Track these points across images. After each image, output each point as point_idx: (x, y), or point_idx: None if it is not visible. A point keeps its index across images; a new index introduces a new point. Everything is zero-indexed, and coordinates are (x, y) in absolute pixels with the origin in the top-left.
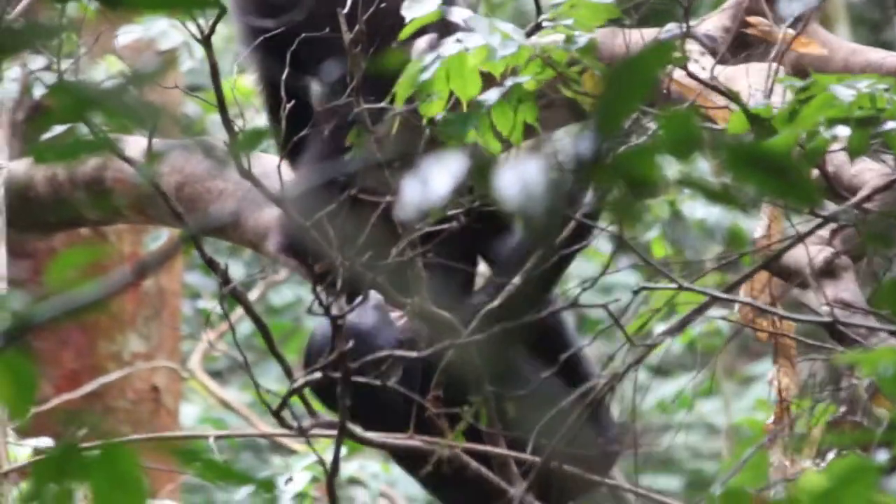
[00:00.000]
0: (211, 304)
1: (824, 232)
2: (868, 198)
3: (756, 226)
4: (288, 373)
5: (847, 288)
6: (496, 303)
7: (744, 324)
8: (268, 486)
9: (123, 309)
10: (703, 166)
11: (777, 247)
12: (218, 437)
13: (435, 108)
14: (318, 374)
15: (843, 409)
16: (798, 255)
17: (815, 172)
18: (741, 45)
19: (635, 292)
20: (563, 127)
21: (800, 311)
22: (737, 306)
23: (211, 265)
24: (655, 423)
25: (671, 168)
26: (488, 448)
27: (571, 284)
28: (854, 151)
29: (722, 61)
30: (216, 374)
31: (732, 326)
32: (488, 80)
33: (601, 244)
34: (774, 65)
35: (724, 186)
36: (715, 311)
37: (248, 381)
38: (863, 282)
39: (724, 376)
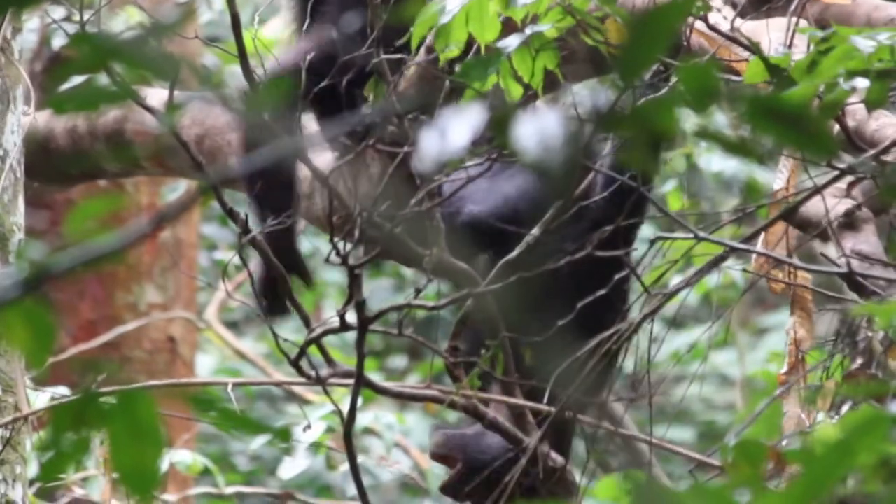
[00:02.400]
0: (227, 255)
1: (843, 184)
2: (886, 150)
3: (775, 178)
4: (305, 321)
5: (867, 240)
6: (515, 254)
7: (760, 274)
8: (284, 435)
9: (140, 260)
10: (721, 119)
11: (795, 199)
12: (235, 385)
13: (453, 54)
14: (335, 326)
15: (858, 361)
16: (818, 207)
17: (835, 127)
18: (765, 1)
19: (652, 242)
20: (584, 80)
21: (816, 263)
22: (753, 258)
23: (231, 215)
24: (669, 375)
25: (689, 120)
26: (505, 398)
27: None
28: (872, 103)
29: (742, 15)
30: (232, 325)
31: (748, 278)
32: (509, 27)
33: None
34: (794, 18)
35: (742, 138)
36: (731, 264)
37: (264, 332)
38: (883, 235)
39: (738, 327)
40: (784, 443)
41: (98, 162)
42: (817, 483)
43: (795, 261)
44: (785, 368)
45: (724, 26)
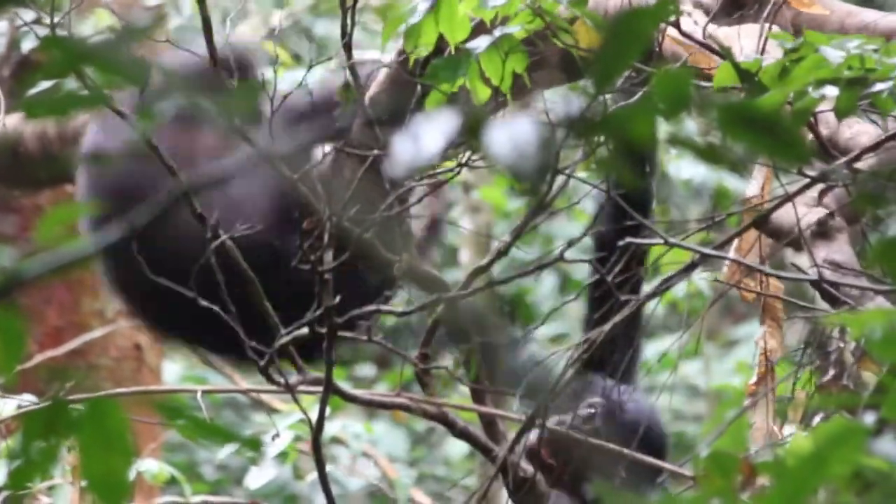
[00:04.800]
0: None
1: (815, 193)
2: (858, 157)
3: (748, 185)
4: (275, 327)
5: (840, 249)
6: (486, 261)
7: (731, 284)
8: (253, 443)
9: None
10: (691, 125)
11: (766, 206)
12: (204, 393)
13: (423, 52)
14: (304, 330)
15: (830, 373)
16: (791, 216)
17: (808, 135)
18: (735, 5)
19: (621, 247)
20: (554, 86)
21: (788, 273)
22: (724, 267)
23: (201, 220)
24: (639, 384)
25: (659, 127)
26: (475, 407)
27: (557, 243)
28: (842, 112)
29: (714, 21)
30: None
31: (717, 287)
32: (478, 29)
33: (586, 203)
34: (767, 24)
35: (713, 145)
36: (701, 272)
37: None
38: (857, 244)
39: (706, 338)
40: (754, 454)
41: (67, 167)
42: (790, 495)
43: (767, 269)
44: (754, 379)
45: (697, 33)
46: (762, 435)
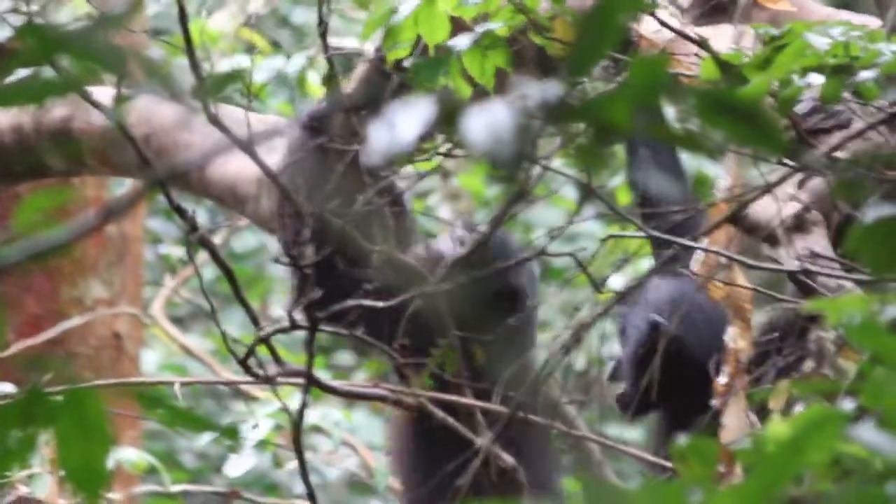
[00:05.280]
0: (173, 251)
1: (794, 181)
2: (837, 147)
3: (722, 178)
4: (254, 320)
5: (817, 242)
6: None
7: (703, 277)
8: (231, 433)
9: (86, 254)
10: (669, 113)
11: (744, 197)
12: (183, 384)
13: (401, 53)
14: (285, 325)
15: (811, 363)
16: (766, 211)
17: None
18: (711, 10)
19: (603, 240)
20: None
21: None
22: (697, 258)
23: (178, 211)
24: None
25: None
26: (455, 398)
27: (537, 231)
28: (827, 100)
29: (690, 23)
30: (178, 321)
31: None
32: (459, 26)
33: (566, 190)
34: (741, 24)
35: (691, 133)
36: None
37: (210, 328)
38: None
39: None
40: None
41: (44, 160)
42: (769, 482)
43: (744, 260)
44: (724, 379)
45: (673, 25)
46: (733, 435)
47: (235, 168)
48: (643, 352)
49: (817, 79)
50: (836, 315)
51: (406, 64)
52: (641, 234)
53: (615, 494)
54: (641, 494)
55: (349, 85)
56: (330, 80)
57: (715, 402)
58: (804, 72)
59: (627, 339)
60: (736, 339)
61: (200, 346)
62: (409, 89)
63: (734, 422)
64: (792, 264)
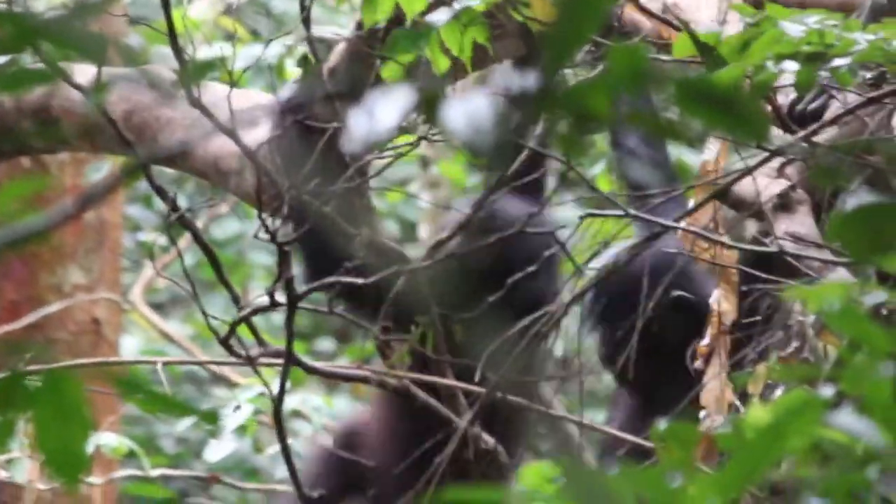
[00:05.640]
0: (151, 237)
1: (776, 165)
2: (817, 131)
3: (705, 153)
4: (235, 299)
5: (802, 222)
6: (447, 234)
7: (687, 252)
8: (211, 417)
9: (64, 241)
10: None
11: (725, 180)
12: (164, 365)
13: (379, 16)
14: (265, 302)
15: (791, 346)
16: (752, 186)
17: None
18: None
19: (582, 219)
20: (514, 55)
21: (749, 244)
22: (679, 235)
23: (160, 193)
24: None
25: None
26: (437, 379)
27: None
28: (802, 86)
29: None
30: (157, 307)
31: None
32: (436, 1)
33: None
34: None
35: (670, 121)
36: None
37: (190, 314)
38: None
39: None
40: (709, 420)
41: (24, 138)
42: (749, 467)
43: (725, 240)
44: (707, 340)
45: (656, 3)
46: (714, 396)
47: (218, 143)
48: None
49: (791, 66)
50: (816, 301)
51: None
52: (620, 213)
53: (596, 479)
54: (622, 479)
55: (327, 65)
56: (307, 64)
57: (697, 364)
58: (779, 59)
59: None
60: (721, 301)
61: (180, 332)
62: (385, 66)
63: (714, 384)
64: (772, 245)
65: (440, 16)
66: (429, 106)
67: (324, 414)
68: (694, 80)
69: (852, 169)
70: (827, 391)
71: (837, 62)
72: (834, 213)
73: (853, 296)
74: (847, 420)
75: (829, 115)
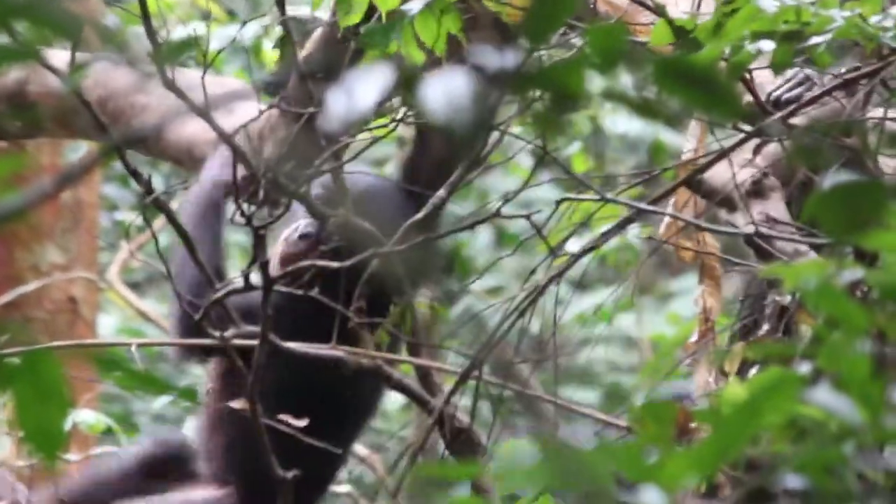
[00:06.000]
0: (128, 216)
1: (749, 151)
2: (793, 113)
3: (685, 143)
4: (209, 281)
5: (774, 207)
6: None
7: (666, 241)
8: (189, 394)
9: (41, 220)
10: (626, 80)
11: (701, 162)
12: (140, 346)
13: (354, 19)
14: (239, 285)
15: (766, 326)
16: (724, 176)
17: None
18: None
19: (558, 203)
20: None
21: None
22: (664, 223)
23: (135, 175)
24: (574, 337)
25: (594, 82)
26: (410, 359)
27: (492, 198)
28: (778, 65)
29: None
30: (134, 286)
31: (651, 242)
32: None
33: (522, 158)
34: None
35: (648, 100)
36: (635, 227)
37: (166, 293)
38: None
39: (641, 291)
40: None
41: (0, 123)
42: (726, 443)
43: (703, 223)
44: (694, 337)
45: None
46: (702, 391)
47: (192, 130)
48: None
49: (768, 45)
50: (792, 279)
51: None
52: (596, 197)
53: (573, 456)
54: (599, 455)
55: (304, 50)
56: (283, 45)
57: (686, 361)
58: (755, 37)
59: None
60: (705, 297)
61: (156, 311)
62: (363, 56)
63: (703, 379)
64: (748, 228)
65: (414, 5)
66: (407, 85)
67: None
68: (671, 58)
69: (830, 149)
70: (803, 368)
71: (814, 40)
72: (811, 192)
73: (830, 273)
74: (823, 396)
75: (805, 97)
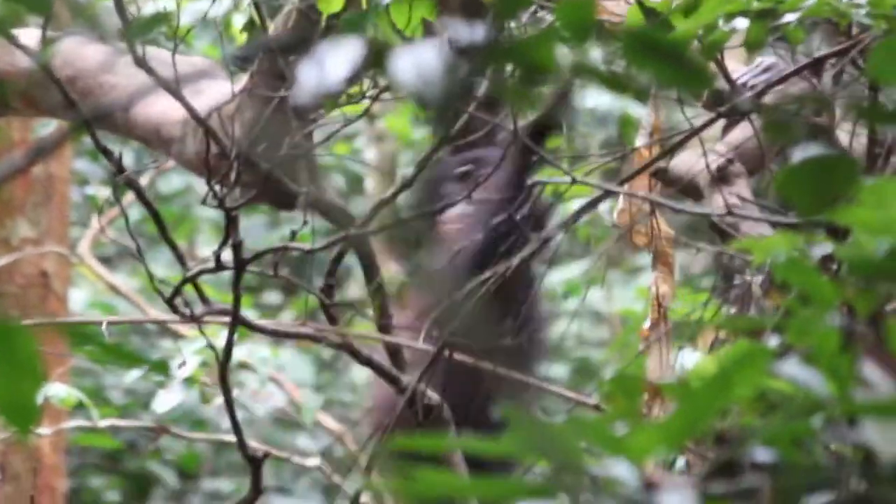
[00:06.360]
0: (99, 191)
1: (718, 133)
2: (764, 91)
3: (645, 120)
4: (180, 259)
5: (740, 192)
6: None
7: (624, 227)
8: (160, 367)
9: (13, 195)
10: (596, 54)
11: (672, 141)
12: (111, 323)
13: (334, 5)
14: (211, 265)
15: (736, 306)
16: (688, 164)
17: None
18: None
19: (530, 186)
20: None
21: (686, 219)
22: (619, 201)
23: (104, 152)
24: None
25: (564, 56)
26: (380, 336)
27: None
28: (752, 44)
29: None
30: (105, 260)
31: (619, 222)
32: None
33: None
34: None
35: (618, 74)
36: (604, 206)
37: (137, 267)
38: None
39: (610, 266)
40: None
41: None
42: (694, 416)
43: (672, 203)
44: (647, 324)
45: None
46: (656, 377)
47: (160, 109)
48: None
49: (742, 23)
50: (761, 254)
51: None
52: (566, 179)
53: (543, 429)
54: (568, 428)
55: (274, 27)
56: (252, 23)
57: (640, 346)
58: (729, 17)
59: None
60: (659, 283)
61: (127, 285)
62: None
63: (657, 365)
64: (717, 209)
65: None
66: (378, 58)
67: (270, 366)
68: (641, 32)
69: (800, 125)
70: (773, 341)
71: (787, 17)
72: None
73: (800, 248)
74: (793, 370)
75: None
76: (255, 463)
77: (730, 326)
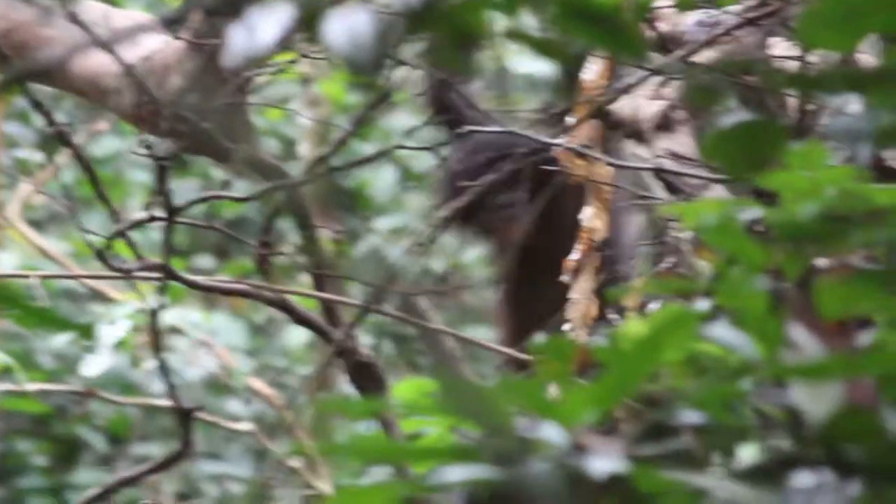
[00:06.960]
0: (29, 154)
1: (657, 86)
2: (694, 51)
3: (585, 75)
4: (114, 214)
5: (681, 141)
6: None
7: (562, 167)
8: (86, 331)
9: None
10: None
11: (606, 98)
12: (42, 278)
13: None
14: (142, 216)
15: (667, 261)
16: (632, 108)
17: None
18: None
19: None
20: None
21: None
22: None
23: (38, 107)
24: (477, 277)
25: (498, 22)
26: (315, 293)
27: (395, 138)
28: (682, 6)
29: None
30: (35, 224)
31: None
32: None
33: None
34: None
35: (551, 40)
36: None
37: (68, 231)
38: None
39: None
40: (573, 335)
41: None
42: (625, 379)
43: (603, 157)
44: (576, 255)
45: None
46: (580, 311)
47: (98, 62)
48: None
49: None
50: (692, 217)
51: None
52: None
53: (472, 390)
54: (499, 390)
55: None
56: None
57: (565, 278)
58: None
59: None
60: (591, 218)
61: (58, 249)
62: None
63: (581, 297)
64: (653, 162)
65: None
66: (309, 21)
67: (202, 330)
68: None
69: (728, 88)
70: (702, 304)
71: None
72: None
73: (729, 212)
74: (722, 333)
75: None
76: (185, 415)
77: (659, 289)
